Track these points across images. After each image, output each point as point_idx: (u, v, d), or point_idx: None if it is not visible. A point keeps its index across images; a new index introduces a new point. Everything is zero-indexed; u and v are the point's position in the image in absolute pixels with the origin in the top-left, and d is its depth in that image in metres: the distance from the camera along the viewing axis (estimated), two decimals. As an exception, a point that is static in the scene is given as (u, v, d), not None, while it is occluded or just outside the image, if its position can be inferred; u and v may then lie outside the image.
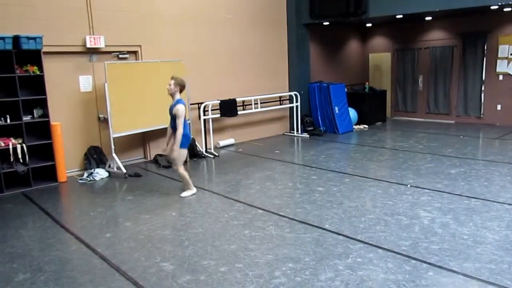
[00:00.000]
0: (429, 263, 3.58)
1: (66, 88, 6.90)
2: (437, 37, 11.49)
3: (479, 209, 4.81)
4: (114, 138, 6.88)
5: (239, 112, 8.88)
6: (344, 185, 5.99)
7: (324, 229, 4.42)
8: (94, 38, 6.92)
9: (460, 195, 5.33)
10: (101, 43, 6.99)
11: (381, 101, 11.88)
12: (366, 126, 10.96)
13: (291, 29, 10.16)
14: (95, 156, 7.12)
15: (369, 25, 12.40)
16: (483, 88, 10.81)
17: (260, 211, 5.06)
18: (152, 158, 7.89)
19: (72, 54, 6.90)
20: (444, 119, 11.53)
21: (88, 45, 6.89)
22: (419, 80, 11.99)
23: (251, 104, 9.18)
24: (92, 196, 6.03)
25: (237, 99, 8.80)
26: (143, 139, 7.89)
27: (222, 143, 8.99)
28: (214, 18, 8.68)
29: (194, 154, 7.97)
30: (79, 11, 6.81)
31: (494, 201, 5.05)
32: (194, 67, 8.18)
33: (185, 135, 5.45)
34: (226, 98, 8.63)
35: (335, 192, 5.64)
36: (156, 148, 7.94)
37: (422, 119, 11.92)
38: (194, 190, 5.81)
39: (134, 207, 5.41)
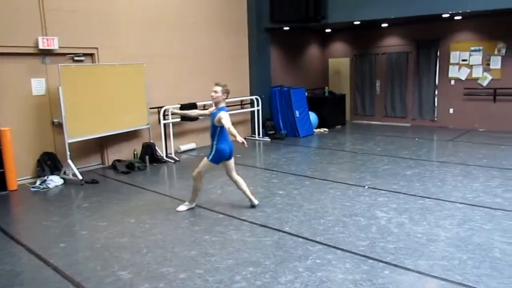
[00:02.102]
0: (385, 262, 3.67)
1: (17, 91, 6.61)
2: (393, 43, 11.88)
3: (433, 208, 4.99)
4: (69, 144, 6.65)
5: (200, 117, 8.78)
6: (304, 188, 6.05)
7: (284, 232, 4.45)
8: (47, 39, 6.66)
9: (415, 195, 5.51)
10: (54, 45, 6.75)
11: (341, 105, 12.12)
12: (327, 129, 11.15)
13: (252, 33, 10.21)
14: (48, 163, 6.85)
15: (328, 30, 12.65)
16: (436, 93, 11.25)
17: (221, 215, 5.03)
18: (110, 164, 7.68)
19: (24, 55, 6.61)
20: (400, 122, 11.91)
21: (41, 47, 6.62)
22: (377, 84, 12.34)
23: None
24: (45, 205, 5.80)
25: (198, 103, 8.73)
26: (101, 144, 7.67)
27: (183, 147, 8.88)
28: (175, 22, 8.59)
29: (154, 159, 7.83)
30: (31, 10, 6.53)
31: (447, 200, 5.25)
32: (154, 70, 8.06)
33: (219, 150, 4.96)
34: (187, 102, 8.54)
35: (295, 195, 5.69)
36: (114, 154, 7.74)
37: (380, 123, 12.26)
38: (193, 205, 5.34)
39: (91, 215, 5.24)
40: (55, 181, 6.55)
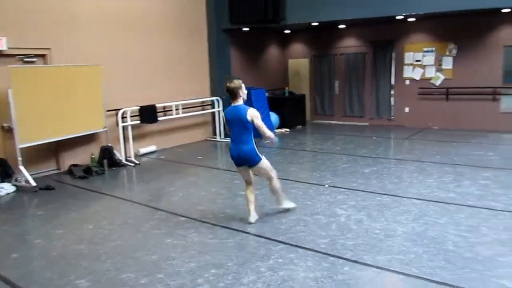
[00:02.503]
0: (345, 259, 3.74)
1: (-37, 95, 6.27)
2: (350, 44, 12.16)
3: (390, 205, 5.14)
4: (20, 149, 6.36)
5: (160, 118, 8.67)
6: (266, 188, 6.03)
7: (247, 232, 4.45)
8: (-6, 40, 6.36)
9: (373, 192, 5.66)
10: (2, 45, 6.44)
11: (301, 105, 12.28)
12: (287, 129, 11.26)
13: (211, 34, 10.16)
14: (-1, 169, 6.54)
15: (287, 31, 12.79)
16: (392, 92, 11.61)
17: (183, 218, 4.96)
18: (66, 169, 7.41)
19: (-30, 57, 6.29)
20: (359, 121, 12.20)
21: (-12, 48, 6.32)
22: (335, 85, 12.59)
23: (172, 110, 9.02)
24: (-4, 213, 5.52)
25: (157, 105, 8.60)
26: (56, 149, 7.39)
27: (143, 150, 8.71)
28: (134, 23, 8.41)
29: (113, 163, 7.63)
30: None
31: (403, 197, 5.43)
32: (112, 72, 7.85)
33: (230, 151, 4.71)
34: (146, 104, 8.39)
35: (257, 196, 5.67)
36: (71, 158, 7.48)
37: (339, 122, 12.51)
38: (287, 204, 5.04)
39: (46, 222, 5.04)
40: (6, 188, 6.25)
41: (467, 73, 10.28)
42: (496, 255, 3.71)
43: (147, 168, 7.73)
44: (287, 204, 5.02)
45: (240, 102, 4.51)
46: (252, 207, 4.75)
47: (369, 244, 4.02)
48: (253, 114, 4.42)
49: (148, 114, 8.36)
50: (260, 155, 4.58)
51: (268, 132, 4.49)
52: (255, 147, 4.55)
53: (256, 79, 12.06)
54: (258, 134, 4.58)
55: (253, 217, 4.72)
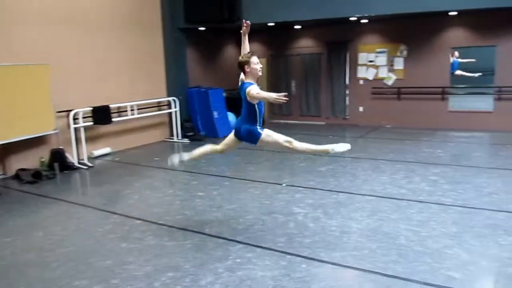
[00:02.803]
0: (302, 256, 3.79)
1: None
2: (306, 45, 12.34)
3: (345, 202, 5.26)
4: (-36, 153, 6.00)
5: (114, 119, 8.44)
6: (224, 188, 6.06)
7: (204, 233, 4.41)
8: None
9: (330, 190, 5.77)
10: None
11: (259, 105, 12.30)
12: (246, 129, 11.25)
13: (167, 33, 10.00)
14: None
15: (244, 32, 12.79)
16: (347, 92, 11.89)
17: (139, 221, 4.85)
18: (13, 173, 7.04)
19: None
20: (315, 120, 12.41)
21: None
22: (292, 85, 12.75)
23: (127, 111, 8.80)
24: None
25: (112, 105, 8.36)
26: (1, 152, 7.01)
27: (97, 152, 8.43)
28: (85, 21, 8.12)
29: (64, 166, 7.34)
30: None
31: (358, 194, 5.57)
32: (63, 72, 7.54)
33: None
34: (99, 104, 8.14)
35: (215, 196, 5.67)
36: (18, 162, 7.12)
37: (297, 121, 12.68)
38: (186, 158, 4.65)
39: (-9, 230, 4.78)
40: None
41: (418, 73, 10.71)
42: (444, 248, 3.88)
43: (101, 171, 7.50)
44: (335, 147, 4.55)
45: (249, 78, 4.21)
46: (195, 154, 4.54)
47: (325, 241, 4.10)
48: (249, 89, 4.00)
49: (101, 115, 8.11)
50: (260, 130, 4.22)
51: (268, 95, 3.83)
52: (256, 126, 4.23)
53: (214, 79, 12.00)
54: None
55: (181, 158, 4.57)
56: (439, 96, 10.54)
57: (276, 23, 10.14)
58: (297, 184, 6.11)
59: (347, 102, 11.94)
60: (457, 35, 10.18)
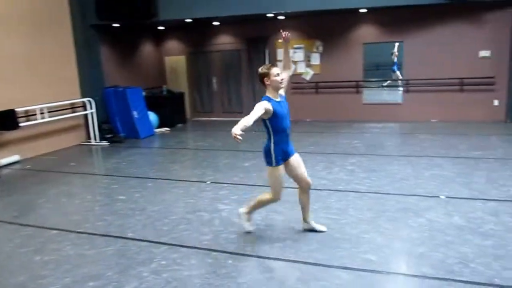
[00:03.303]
0: (228, 252, 3.82)
1: None
2: (226, 41, 12.35)
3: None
4: None
5: (22, 124, 7.82)
6: (147, 190, 5.90)
7: (127, 238, 4.27)
8: None
9: (253, 185, 5.85)
10: None
11: (180, 103, 12.14)
12: (168, 128, 11.05)
13: (77, 30, 9.43)
14: None
15: (161, 28, 12.51)
16: (267, 87, 12.09)
17: (55, 231, 4.56)
18: None
19: None
20: (238, 117, 12.15)
21: None
22: (214, 81, 12.71)
23: (36, 114, 8.20)
24: None
25: (18, 109, 7.73)
26: None
27: (3, 161, 7.75)
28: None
29: (-34, 177, 6.68)
30: None
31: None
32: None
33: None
34: (3, 109, 7.48)
35: (137, 199, 5.50)
36: None
37: (219, 118, 12.66)
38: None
39: None
40: None
41: (333, 68, 11.19)
42: (361, 233, 4.11)
43: (9, 180, 6.92)
44: (248, 226, 4.23)
45: (269, 92, 3.98)
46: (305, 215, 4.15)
47: (251, 235, 4.15)
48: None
49: (6, 120, 7.48)
50: (274, 162, 3.95)
51: (237, 125, 3.62)
52: (271, 148, 4.04)
53: (132, 78, 11.58)
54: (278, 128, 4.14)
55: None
56: (354, 89, 11.11)
57: (193, 19, 10.02)
58: (221, 180, 6.12)
59: (268, 97, 12.13)
60: (368, 32, 10.79)
